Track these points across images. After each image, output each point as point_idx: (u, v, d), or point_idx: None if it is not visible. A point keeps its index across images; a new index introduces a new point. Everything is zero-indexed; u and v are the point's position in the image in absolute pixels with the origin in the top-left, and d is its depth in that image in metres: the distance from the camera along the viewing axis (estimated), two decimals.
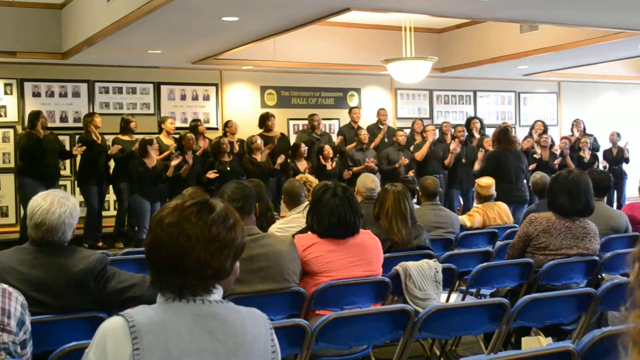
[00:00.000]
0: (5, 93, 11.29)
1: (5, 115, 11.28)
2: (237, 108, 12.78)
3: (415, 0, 8.27)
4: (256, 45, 10.58)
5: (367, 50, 12.51)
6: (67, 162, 11.17)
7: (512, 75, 14.81)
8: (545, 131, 12.73)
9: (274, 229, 5.60)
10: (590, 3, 8.60)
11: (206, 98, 12.72)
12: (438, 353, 5.21)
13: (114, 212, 10.92)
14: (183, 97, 12.55)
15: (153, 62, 11.67)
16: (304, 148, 11.02)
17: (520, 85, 15.60)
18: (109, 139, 10.61)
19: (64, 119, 11.59)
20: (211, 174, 10.02)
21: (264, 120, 11.44)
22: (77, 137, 10.77)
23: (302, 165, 10.87)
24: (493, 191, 7.48)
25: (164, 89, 12.39)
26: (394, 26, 11.65)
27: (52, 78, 11.51)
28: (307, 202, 5.34)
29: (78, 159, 10.53)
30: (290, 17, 8.80)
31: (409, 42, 10.62)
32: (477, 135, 12.58)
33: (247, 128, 11.64)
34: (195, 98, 12.64)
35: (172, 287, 2.05)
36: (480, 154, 11.34)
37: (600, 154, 13.45)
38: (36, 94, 11.45)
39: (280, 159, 10.71)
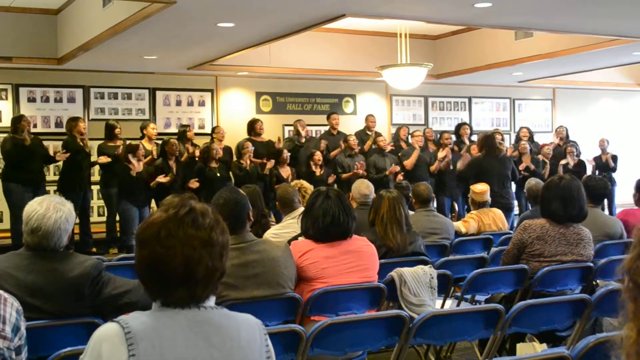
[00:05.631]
0: (1, 98, 11.28)
1: (0, 121, 11.26)
2: (233, 114, 12.79)
3: (410, 7, 8.30)
4: (251, 51, 10.60)
5: (363, 56, 12.54)
6: (53, 166, 11.09)
7: (507, 82, 14.85)
8: (531, 137, 12.73)
9: (269, 234, 5.61)
10: (585, 10, 8.63)
11: (201, 104, 12.73)
12: (433, 359, 5.22)
13: (100, 218, 10.87)
14: (178, 103, 12.56)
15: (148, 67, 11.68)
16: (286, 154, 10.98)
17: (515, 92, 15.64)
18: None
19: (59, 124, 11.56)
20: (193, 184, 9.96)
21: (252, 125, 11.44)
22: (61, 142, 10.63)
23: (285, 171, 10.83)
24: (487, 197, 7.49)
25: (160, 95, 12.40)
26: (389, 33, 11.67)
27: (47, 83, 11.51)
28: (302, 208, 5.34)
29: (60, 164, 10.41)
30: (286, 24, 8.82)
31: (404, 48, 10.65)
32: (466, 142, 12.56)
33: (243, 134, 11.65)
34: (190, 104, 12.65)
35: (181, 299, 2.03)
36: (466, 158, 11.40)
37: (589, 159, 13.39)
38: (31, 99, 11.44)
39: (270, 164, 10.65)
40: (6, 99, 11.31)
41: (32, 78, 11.38)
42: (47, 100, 11.56)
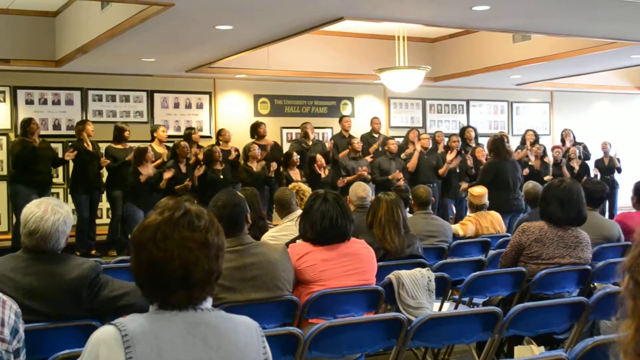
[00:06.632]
0: None
1: None
2: (231, 116, 12.78)
3: (408, 10, 8.30)
4: (250, 54, 10.60)
5: (361, 59, 12.55)
6: (60, 169, 11.15)
7: (504, 85, 14.87)
8: (536, 140, 12.77)
9: (266, 237, 5.61)
10: (583, 13, 8.64)
11: (199, 106, 12.73)
12: None
13: (107, 220, 10.90)
14: (176, 105, 12.56)
15: (147, 70, 11.67)
16: (296, 157, 11.00)
17: (513, 95, 15.65)
18: (102, 147, 10.58)
19: (57, 126, 11.58)
20: (168, 174, 9.92)
21: (255, 128, 11.44)
22: (69, 144, 10.72)
23: (295, 174, 10.84)
24: (486, 200, 7.49)
25: (158, 97, 12.39)
26: (388, 35, 11.69)
27: (45, 86, 11.51)
28: (301, 211, 5.34)
29: (71, 166, 10.48)
30: (284, 26, 8.82)
31: (402, 51, 10.66)
32: (472, 145, 12.58)
33: (241, 136, 11.65)
34: (188, 106, 12.65)
35: (178, 302, 2.03)
36: (469, 162, 11.44)
37: (592, 163, 13.47)
38: (29, 102, 11.44)
39: (273, 167, 10.69)
40: (4, 101, 11.31)
41: (30, 80, 11.38)
42: (45, 102, 11.56)
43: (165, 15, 7.66)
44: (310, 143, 11.76)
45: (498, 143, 9.79)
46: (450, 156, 11.68)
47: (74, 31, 9.94)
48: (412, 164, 11.54)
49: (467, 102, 15.25)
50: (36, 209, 3.42)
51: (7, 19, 10.45)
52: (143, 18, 7.82)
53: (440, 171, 11.63)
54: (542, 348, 4.33)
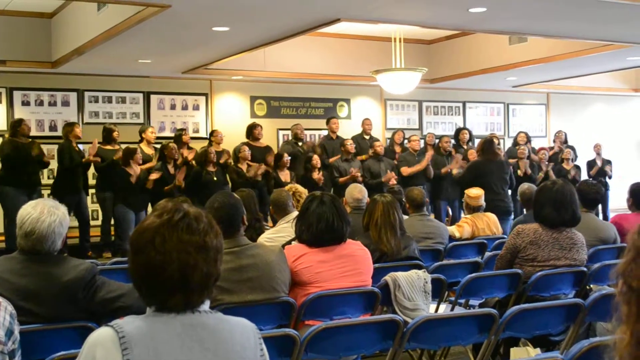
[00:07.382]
0: None
1: None
2: (227, 118, 12.79)
3: (405, 12, 8.31)
4: (246, 55, 10.60)
5: (357, 60, 12.56)
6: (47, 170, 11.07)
7: (501, 87, 14.89)
8: (527, 142, 12.77)
9: (263, 238, 5.60)
10: (579, 15, 8.66)
11: (196, 108, 12.72)
12: None
13: (94, 222, 10.84)
14: (173, 107, 12.56)
15: (143, 71, 11.67)
16: (286, 158, 10.95)
17: (509, 97, 15.68)
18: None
19: (53, 127, 11.56)
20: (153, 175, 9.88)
21: (251, 130, 11.41)
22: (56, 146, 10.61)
23: (285, 175, 10.79)
24: (482, 202, 7.49)
25: (154, 99, 12.39)
26: (384, 37, 11.69)
27: (41, 87, 11.50)
28: (297, 212, 5.34)
29: (55, 168, 10.37)
30: (281, 28, 8.83)
31: (399, 53, 10.66)
32: (464, 147, 12.57)
33: (237, 138, 11.65)
34: (185, 108, 12.65)
35: (176, 305, 2.02)
36: (458, 161, 11.40)
37: (584, 165, 13.41)
38: (25, 103, 11.42)
39: (261, 169, 10.59)
40: (0, 102, 11.29)
41: (26, 81, 11.37)
42: (41, 103, 11.55)
43: (162, 16, 7.66)
44: (301, 144, 11.71)
45: (486, 144, 9.80)
46: (428, 154, 11.61)
47: (70, 32, 9.93)
48: (408, 172, 11.44)
49: (464, 103, 15.27)
50: (32, 211, 3.41)
51: (3, 20, 10.43)
52: (139, 19, 7.81)
53: (427, 174, 11.53)
54: (538, 350, 4.34)
